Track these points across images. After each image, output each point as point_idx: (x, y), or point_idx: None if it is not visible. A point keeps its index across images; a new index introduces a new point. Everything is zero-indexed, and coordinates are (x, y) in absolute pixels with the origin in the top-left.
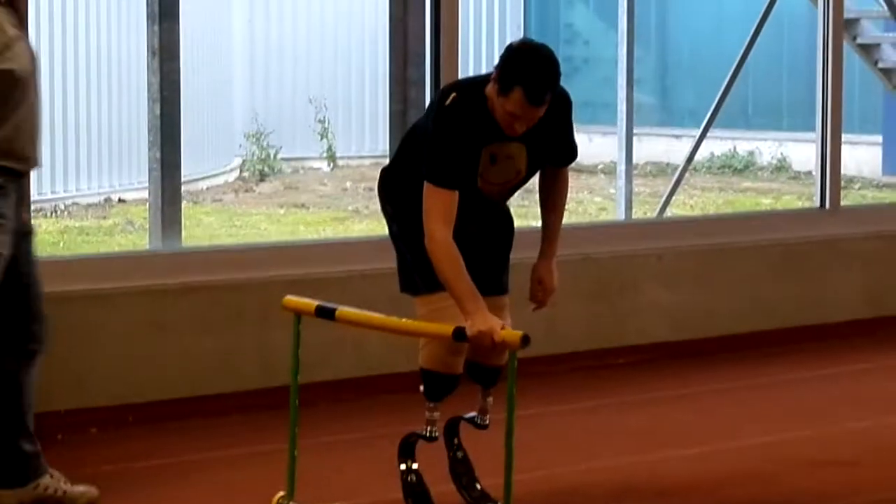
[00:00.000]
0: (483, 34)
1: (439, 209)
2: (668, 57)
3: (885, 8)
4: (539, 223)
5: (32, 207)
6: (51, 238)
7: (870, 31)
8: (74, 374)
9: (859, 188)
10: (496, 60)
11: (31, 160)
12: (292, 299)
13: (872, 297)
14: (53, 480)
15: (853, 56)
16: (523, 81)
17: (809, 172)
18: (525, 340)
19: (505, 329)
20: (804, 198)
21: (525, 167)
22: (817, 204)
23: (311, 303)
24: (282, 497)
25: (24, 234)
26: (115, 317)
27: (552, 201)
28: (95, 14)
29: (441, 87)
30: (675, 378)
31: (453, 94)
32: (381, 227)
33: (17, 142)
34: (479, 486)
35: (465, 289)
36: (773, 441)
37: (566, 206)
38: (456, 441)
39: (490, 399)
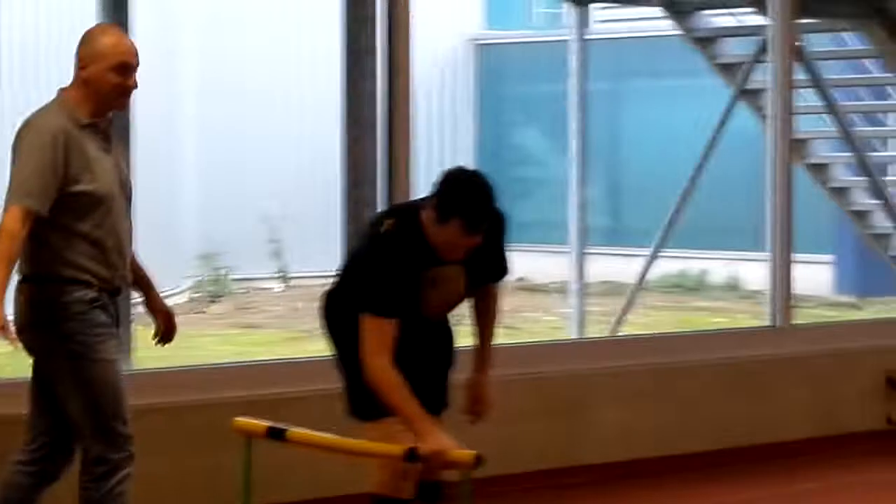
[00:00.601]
0: (435, 155)
1: (376, 339)
2: (619, 177)
3: (835, 128)
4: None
5: None
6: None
7: (820, 152)
8: None
9: (811, 307)
10: None
11: (116, 276)
12: (242, 421)
13: (823, 415)
14: None
15: (803, 175)
16: (462, 212)
17: (761, 291)
18: (478, 460)
19: (458, 449)
20: (756, 316)
21: (464, 288)
22: (769, 322)
23: (261, 424)
24: None
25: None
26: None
27: (486, 318)
28: (46, 79)
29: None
30: (629, 499)
31: (388, 222)
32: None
33: (102, 259)
34: None
35: (413, 411)
36: None
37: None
38: None
39: None
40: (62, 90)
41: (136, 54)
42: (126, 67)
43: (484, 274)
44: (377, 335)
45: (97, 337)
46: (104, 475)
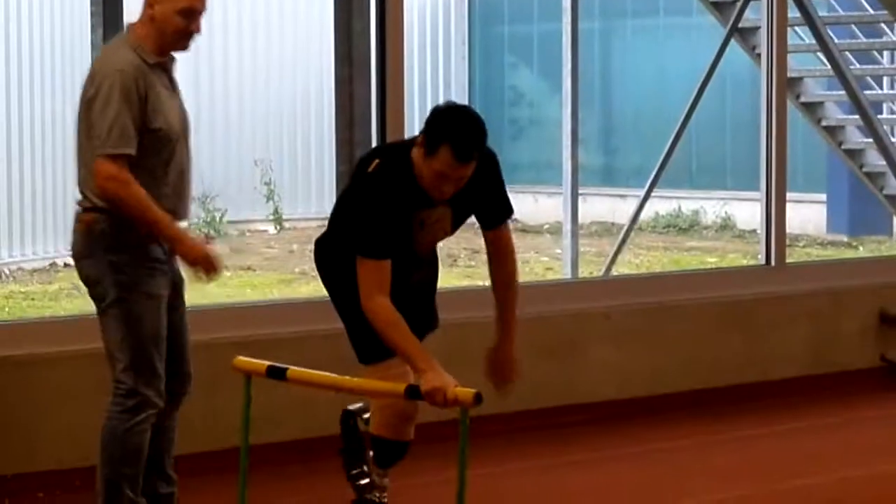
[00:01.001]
0: (428, 96)
1: (373, 279)
2: (612, 117)
3: (828, 66)
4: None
5: None
6: None
7: (813, 90)
8: (22, 438)
9: (804, 246)
10: None
11: (178, 214)
12: (243, 360)
13: (817, 353)
14: None
15: (797, 114)
16: (450, 139)
17: (754, 231)
18: (478, 398)
19: (458, 387)
20: (749, 256)
21: (450, 227)
22: (763, 261)
23: (262, 363)
24: None
25: (180, 286)
26: (62, 381)
27: (506, 285)
28: (40, 80)
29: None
30: (623, 437)
31: (376, 161)
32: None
33: (167, 197)
34: None
35: (413, 348)
36: (721, 499)
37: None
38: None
39: None
40: (130, 25)
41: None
42: (192, 12)
43: (482, 214)
44: (373, 275)
45: (147, 270)
46: (134, 408)
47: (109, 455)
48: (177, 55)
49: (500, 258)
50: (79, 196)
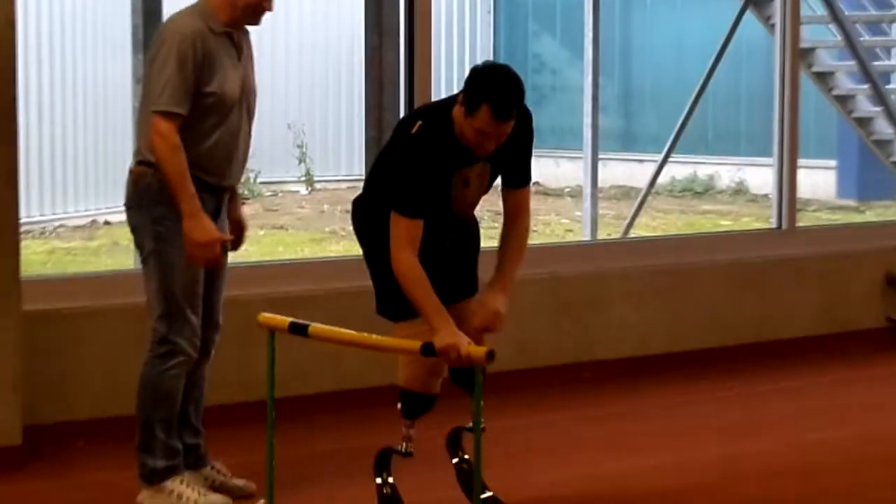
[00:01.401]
0: (455, 63)
1: (404, 236)
2: (631, 85)
3: (840, 37)
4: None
5: (24, 230)
6: (39, 259)
7: (825, 60)
8: (62, 387)
9: (814, 210)
10: None
11: (225, 176)
12: (267, 316)
13: (827, 313)
14: (214, 472)
15: (809, 84)
16: (490, 98)
17: (767, 195)
18: (490, 356)
19: (471, 344)
20: (761, 219)
21: (488, 185)
22: (775, 225)
23: (284, 319)
24: None
25: (224, 252)
26: (102, 333)
27: (513, 246)
28: (82, 42)
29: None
30: (640, 392)
31: (419, 122)
32: (356, 248)
33: (213, 158)
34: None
35: (432, 306)
36: (732, 453)
37: (524, 251)
38: (460, 452)
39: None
40: None
41: None
42: None
43: (508, 175)
44: (405, 232)
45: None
46: (165, 355)
47: (143, 399)
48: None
49: (516, 219)
50: (134, 149)
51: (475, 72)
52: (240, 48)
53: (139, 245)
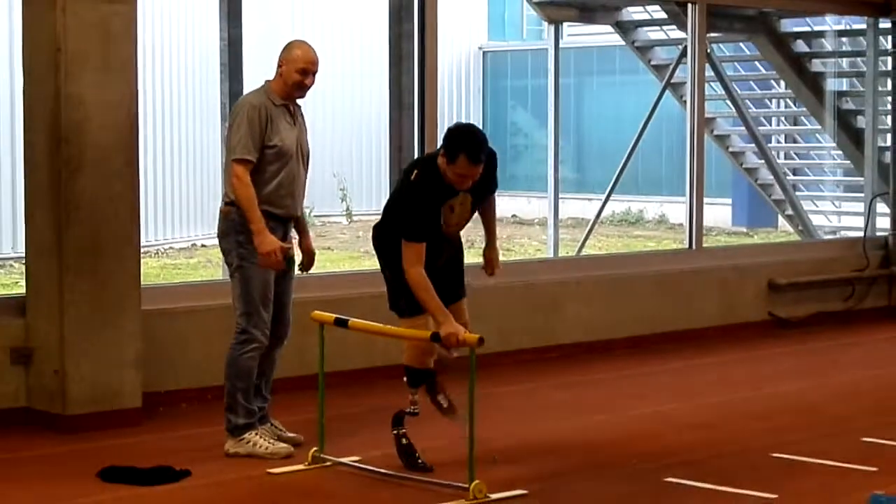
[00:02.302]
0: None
1: (414, 256)
2: (582, 143)
3: (733, 109)
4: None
5: (143, 251)
6: (154, 272)
7: (722, 126)
8: (171, 366)
9: (716, 235)
10: None
11: (288, 208)
12: (318, 313)
13: (725, 310)
14: (273, 427)
15: (711, 143)
16: (465, 149)
17: (681, 224)
18: (481, 341)
19: (467, 333)
20: (677, 242)
21: (470, 210)
22: (687, 246)
23: (331, 316)
24: (315, 451)
25: (288, 264)
26: (199, 325)
27: (489, 214)
28: (185, 111)
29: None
30: (591, 368)
31: (416, 171)
32: None
33: (278, 195)
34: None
35: (436, 306)
36: (657, 411)
37: (496, 221)
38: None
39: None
40: (267, 81)
41: (315, 62)
42: (306, 71)
43: (483, 193)
44: (413, 253)
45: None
46: (242, 342)
47: (228, 373)
48: (299, 101)
49: (488, 208)
50: (222, 193)
51: (451, 131)
52: (294, 116)
53: (228, 263)
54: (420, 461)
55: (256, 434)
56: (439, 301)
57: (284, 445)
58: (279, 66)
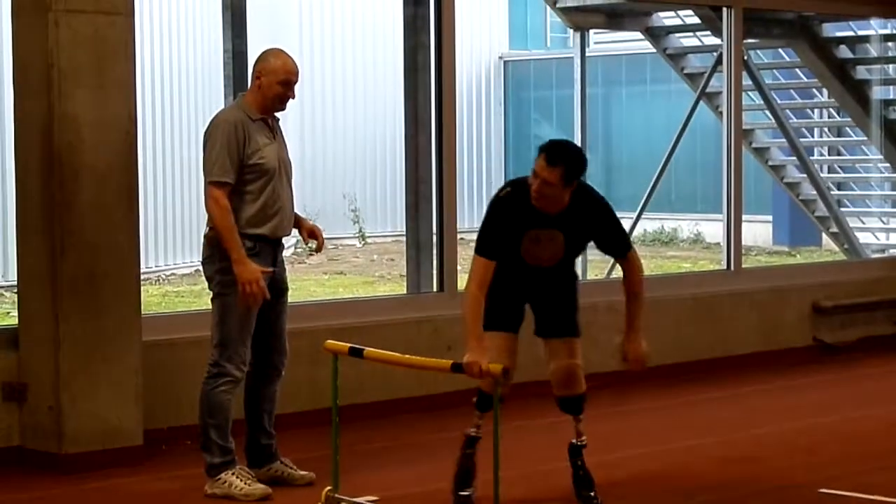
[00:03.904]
0: (474, 144)
1: (477, 273)
2: (611, 159)
3: (773, 120)
4: None
5: (143, 278)
6: (155, 300)
7: (761, 138)
8: (174, 399)
9: (755, 255)
10: (485, 163)
11: (276, 229)
12: (332, 343)
13: (766, 335)
14: (283, 466)
15: (749, 156)
16: (546, 148)
17: (718, 243)
18: (505, 373)
19: (492, 363)
20: (714, 262)
21: (563, 249)
22: (724, 267)
23: (345, 345)
24: (329, 490)
25: (280, 289)
26: (204, 357)
27: (628, 294)
28: (187, 132)
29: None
30: (622, 397)
31: (507, 189)
32: (399, 288)
33: (264, 215)
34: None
35: (473, 330)
36: (693, 444)
37: (641, 307)
38: (578, 462)
39: (580, 424)
40: (241, 94)
41: (297, 73)
42: (288, 83)
43: (604, 248)
44: (478, 270)
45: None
46: (214, 376)
47: (201, 410)
48: (279, 115)
49: (626, 277)
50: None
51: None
52: (273, 130)
53: (211, 289)
54: (466, 494)
55: (233, 474)
56: (479, 327)
57: (262, 487)
58: (256, 77)
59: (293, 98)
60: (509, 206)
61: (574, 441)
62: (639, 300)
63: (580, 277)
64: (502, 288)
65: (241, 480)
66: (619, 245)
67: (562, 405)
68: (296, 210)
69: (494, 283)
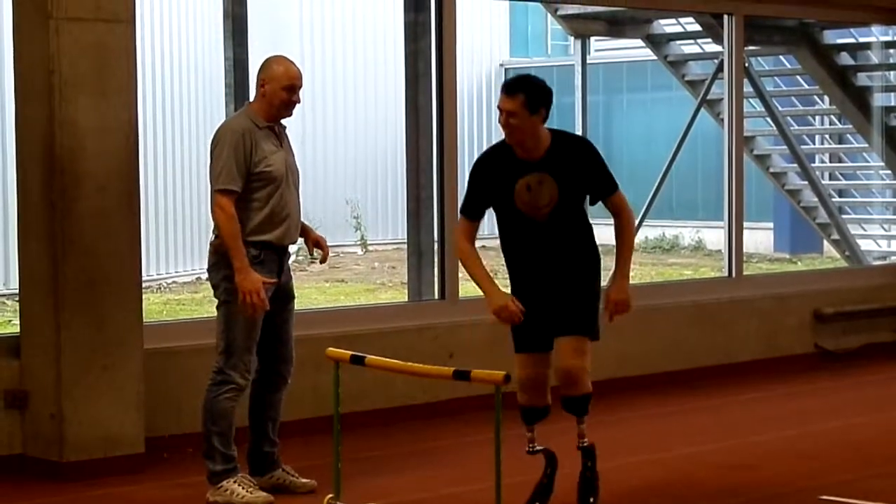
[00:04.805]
0: (475, 151)
1: (460, 230)
2: (612, 166)
3: (774, 127)
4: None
5: (144, 286)
6: (156, 308)
7: (762, 145)
8: (175, 407)
9: (756, 262)
10: None
11: (283, 237)
12: (333, 350)
13: (768, 342)
14: (284, 473)
15: (750, 163)
16: (503, 84)
17: (719, 250)
18: (507, 378)
19: (514, 301)
20: (715, 269)
21: (556, 193)
22: (726, 274)
23: (346, 353)
24: (331, 498)
25: (287, 297)
26: (206, 365)
27: (619, 241)
28: (188, 141)
29: (443, 192)
30: (622, 405)
31: (486, 149)
32: (401, 296)
33: (271, 222)
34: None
35: (482, 277)
36: (695, 451)
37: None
38: (588, 464)
39: (583, 426)
40: (248, 103)
41: (300, 78)
42: (293, 88)
43: (585, 188)
44: (460, 226)
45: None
46: (218, 383)
47: (204, 417)
48: (286, 122)
49: (616, 219)
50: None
51: None
52: (280, 138)
53: (216, 297)
54: None
55: (235, 482)
56: (485, 270)
57: (264, 495)
58: (260, 85)
59: (299, 103)
60: (490, 161)
61: (578, 443)
62: (627, 244)
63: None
64: (518, 274)
65: (243, 488)
66: (604, 184)
67: (563, 405)
68: (302, 219)
69: (510, 270)
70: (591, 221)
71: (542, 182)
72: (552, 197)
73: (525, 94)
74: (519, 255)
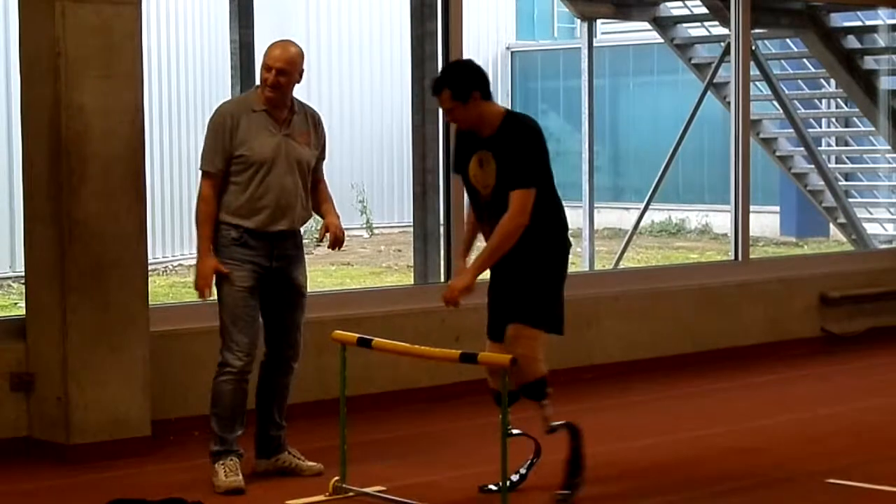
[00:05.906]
0: None
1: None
2: (618, 149)
3: (781, 111)
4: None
5: (151, 269)
6: (163, 291)
7: (769, 129)
8: (181, 390)
9: (763, 245)
10: None
11: (266, 222)
12: (340, 333)
13: (774, 326)
14: (291, 456)
15: (756, 147)
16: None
17: (726, 234)
18: (513, 362)
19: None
20: (722, 253)
21: (496, 174)
22: (732, 257)
23: (353, 335)
24: (336, 480)
25: (288, 285)
26: (212, 348)
27: (491, 236)
28: (189, 122)
29: (449, 175)
30: (628, 388)
31: None
32: (406, 279)
33: (255, 207)
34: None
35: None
36: (701, 435)
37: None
38: (573, 445)
39: (545, 410)
40: (256, 86)
41: (278, 59)
42: (268, 67)
43: (507, 160)
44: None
45: (233, 266)
46: (218, 365)
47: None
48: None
49: (504, 217)
50: None
51: None
52: (278, 122)
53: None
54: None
55: (222, 464)
56: (462, 244)
57: (236, 481)
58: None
59: (282, 86)
60: (463, 132)
61: (544, 428)
62: (494, 240)
63: (588, 268)
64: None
65: (224, 473)
66: (514, 174)
67: (520, 392)
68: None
69: None
70: (557, 202)
71: (487, 162)
72: (493, 177)
73: (449, 87)
74: (482, 232)
